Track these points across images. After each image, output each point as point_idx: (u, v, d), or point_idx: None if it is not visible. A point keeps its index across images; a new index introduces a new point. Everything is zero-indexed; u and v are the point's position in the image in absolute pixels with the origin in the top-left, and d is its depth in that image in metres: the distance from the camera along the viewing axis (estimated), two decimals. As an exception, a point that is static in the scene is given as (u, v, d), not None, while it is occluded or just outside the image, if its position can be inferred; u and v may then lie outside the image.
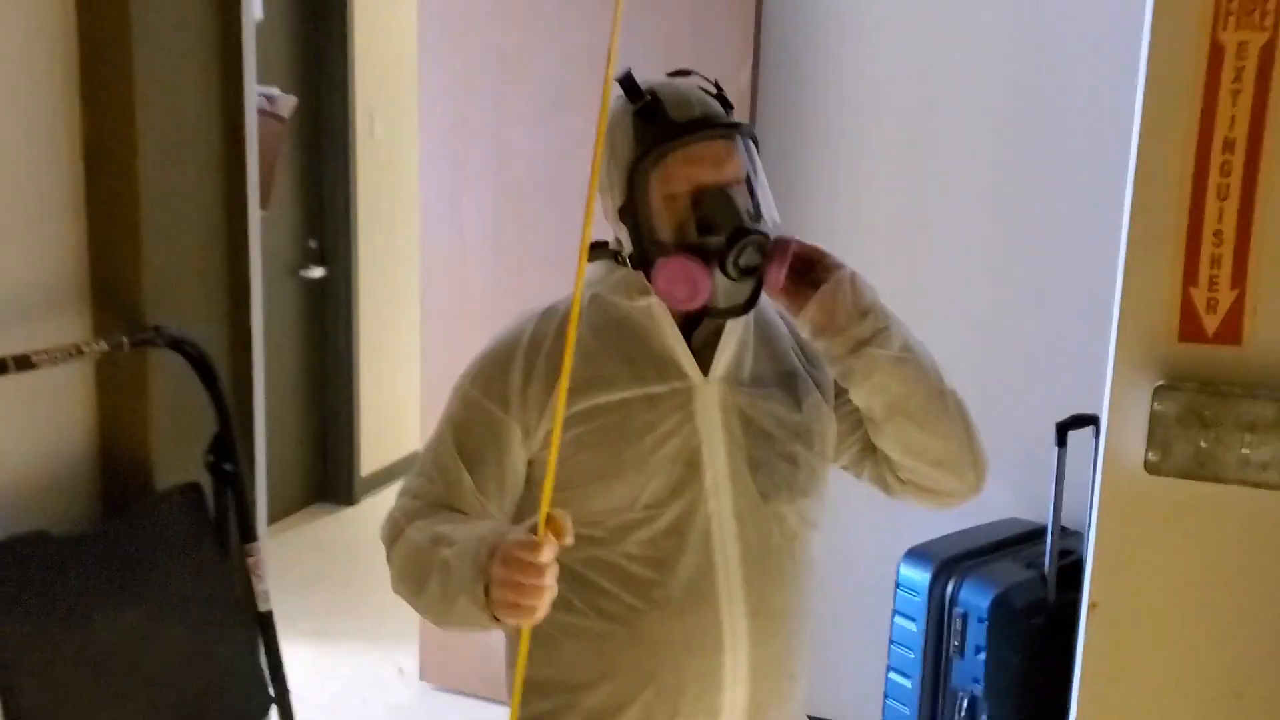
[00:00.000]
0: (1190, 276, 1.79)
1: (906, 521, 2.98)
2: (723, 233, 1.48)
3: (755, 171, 1.57)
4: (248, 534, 2.31)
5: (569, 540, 1.39)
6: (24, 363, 1.98)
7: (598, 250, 1.64)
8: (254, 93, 2.46)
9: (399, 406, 5.60)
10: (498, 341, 1.66)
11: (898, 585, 3.07)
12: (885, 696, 3.13)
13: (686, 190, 1.51)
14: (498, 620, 1.43)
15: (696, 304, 1.50)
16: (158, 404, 2.30)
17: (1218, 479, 1.76)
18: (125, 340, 2.18)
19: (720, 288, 1.51)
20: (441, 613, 1.53)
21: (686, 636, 1.59)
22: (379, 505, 5.42)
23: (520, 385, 1.61)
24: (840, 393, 1.68)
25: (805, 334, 1.56)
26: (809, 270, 1.53)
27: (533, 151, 3.53)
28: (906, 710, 3.09)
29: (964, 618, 2.91)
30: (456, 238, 3.64)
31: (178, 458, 2.33)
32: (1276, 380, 1.73)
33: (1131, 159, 1.79)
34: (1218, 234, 1.76)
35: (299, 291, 5.28)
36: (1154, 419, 1.77)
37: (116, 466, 2.29)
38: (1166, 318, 1.80)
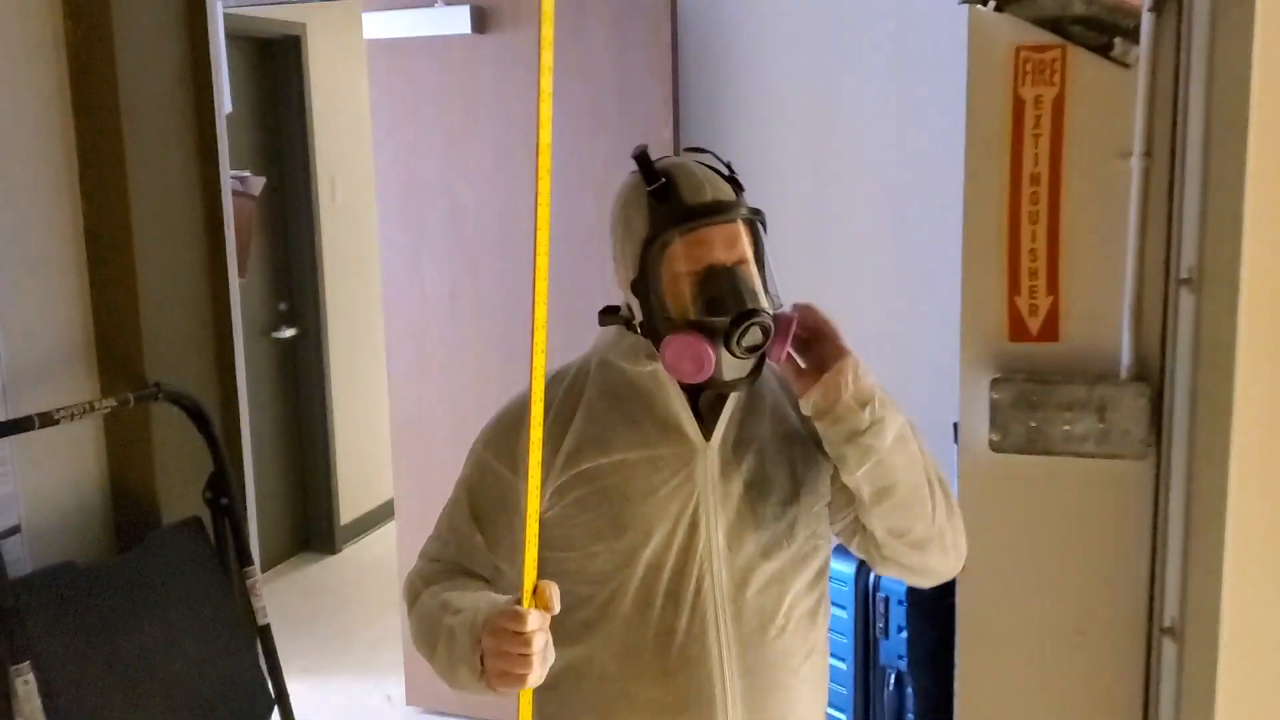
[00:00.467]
0: (1014, 287, 2.13)
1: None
2: (728, 313, 1.49)
3: (762, 252, 1.59)
4: (245, 558, 2.58)
5: (555, 608, 1.41)
6: (48, 419, 2.26)
7: (609, 315, 1.66)
8: (228, 176, 2.71)
9: (374, 456, 5.69)
10: (509, 405, 1.66)
11: (830, 578, 3.35)
12: (829, 680, 3.43)
13: (695, 269, 1.52)
14: (494, 689, 1.45)
15: (701, 378, 1.52)
16: (160, 450, 2.56)
17: (1047, 452, 2.10)
18: (131, 397, 2.44)
19: (724, 363, 1.51)
20: (449, 677, 1.56)
21: (681, 698, 1.60)
22: (361, 551, 5.69)
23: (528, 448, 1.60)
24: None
25: (805, 411, 1.56)
26: (814, 344, 1.54)
27: (482, 210, 3.74)
28: (844, 690, 3.35)
29: (886, 602, 3.18)
30: (416, 291, 3.83)
31: (180, 496, 2.58)
32: (1086, 368, 2.08)
33: (961, 192, 2.15)
34: (1033, 251, 2.11)
35: (272, 352, 5.44)
36: (993, 406, 2.12)
37: (127, 504, 2.55)
38: (998, 322, 2.14)
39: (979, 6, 2.07)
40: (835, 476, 1.66)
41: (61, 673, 2.18)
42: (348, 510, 5.80)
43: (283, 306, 5.52)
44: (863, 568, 3.27)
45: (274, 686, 2.60)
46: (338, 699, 4.18)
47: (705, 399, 1.62)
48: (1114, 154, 2.03)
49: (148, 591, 2.39)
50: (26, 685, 2.08)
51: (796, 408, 1.67)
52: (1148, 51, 1.97)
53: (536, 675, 1.41)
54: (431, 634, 1.57)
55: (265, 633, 2.60)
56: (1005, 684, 2.23)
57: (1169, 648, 1.92)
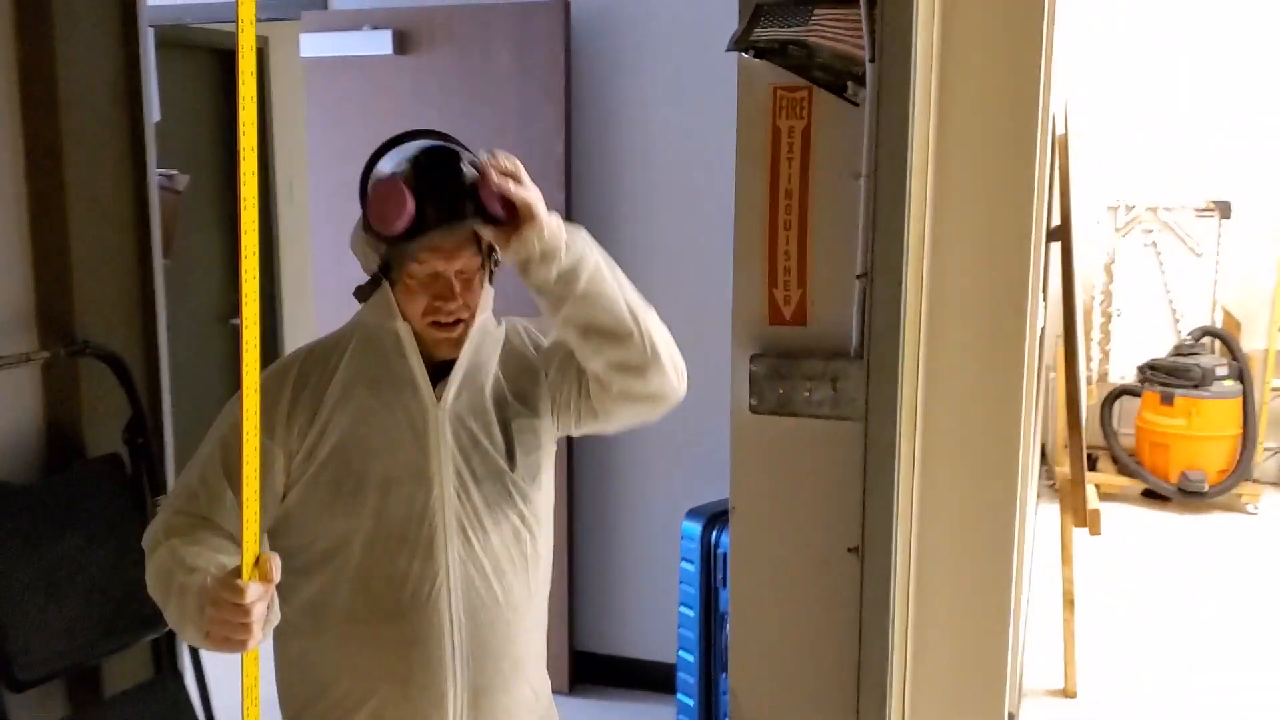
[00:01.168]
0: (773, 281, 2.56)
1: (686, 489, 3.79)
2: (422, 159, 1.60)
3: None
4: (156, 489, 3.01)
5: (275, 579, 1.47)
6: (-9, 365, 2.72)
7: (366, 290, 1.80)
8: (155, 173, 3.13)
9: (322, 434, 6.17)
10: (269, 372, 1.73)
11: (682, 537, 3.78)
12: (679, 627, 3.84)
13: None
14: (218, 649, 1.52)
15: (403, 223, 1.59)
16: (87, 396, 2.96)
17: (793, 414, 2.52)
18: (63, 350, 2.86)
19: (430, 212, 1.59)
20: (178, 630, 1.62)
21: (413, 634, 1.72)
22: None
23: (285, 414, 1.72)
24: (563, 364, 1.82)
25: (508, 263, 1.66)
26: (512, 198, 1.60)
27: (400, 210, 4.26)
28: (692, 635, 3.80)
29: (724, 557, 3.62)
30: (342, 281, 4.33)
31: (104, 436, 2.99)
32: (825, 347, 2.51)
33: (731, 205, 2.61)
34: (787, 253, 2.55)
35: (230, 337, 5.81)
36: (752, 377, 2.56)
37: (58, 440, 2.95)
38: (760, 309, 2.56)
39: (744, 55, 2.55)
40: (562, 372, 1.83)
41: (-6, 572, 2.63)
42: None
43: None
44: (708, 528, 3.72)
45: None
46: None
47: (440, 366, 1.76)
48: (848, 175, 2.47)
49: (71, 509, 2.82)
50: (-32, 579, 2.54)
51: (531, 366, 1.85)
52: (871, 93, 2.44)
53: (255, 640, 1.49)
54: (165, 587, 1.63)
55: (171, 551, 3.04)
56: (767, 604, 2.68)
57: (856, 565, 2.40)
